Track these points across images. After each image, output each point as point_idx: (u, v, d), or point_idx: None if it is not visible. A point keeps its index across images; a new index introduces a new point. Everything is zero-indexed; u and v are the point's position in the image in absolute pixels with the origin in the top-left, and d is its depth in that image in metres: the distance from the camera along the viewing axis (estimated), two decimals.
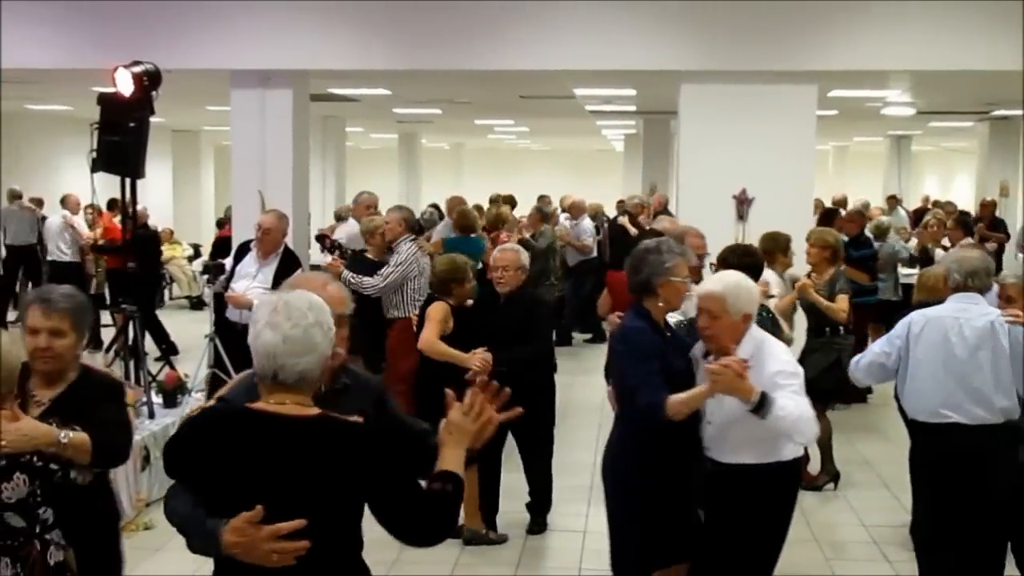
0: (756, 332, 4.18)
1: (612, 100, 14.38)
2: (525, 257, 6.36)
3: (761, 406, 3.86)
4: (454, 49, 9.03)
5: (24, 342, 3.51)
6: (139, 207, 8.15)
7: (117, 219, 11.70)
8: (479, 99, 14.90)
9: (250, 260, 7.83)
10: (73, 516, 3.47)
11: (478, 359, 5.83)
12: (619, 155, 24.98)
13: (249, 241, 7.91)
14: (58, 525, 3.42)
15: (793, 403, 3.95)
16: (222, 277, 7.82)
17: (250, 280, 7.70)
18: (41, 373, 3.56)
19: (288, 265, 7.75)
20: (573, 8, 8.83)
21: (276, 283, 7.67)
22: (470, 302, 6.37)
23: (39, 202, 15.00)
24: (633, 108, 15.95)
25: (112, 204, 13.59)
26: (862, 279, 9.13)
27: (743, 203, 9.02)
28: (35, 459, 3.31)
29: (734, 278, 4.24)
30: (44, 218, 14.26)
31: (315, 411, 2.65)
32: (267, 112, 9.38)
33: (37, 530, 3.36)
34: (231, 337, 7.66)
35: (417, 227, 8.24)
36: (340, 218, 13.07)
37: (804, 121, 9.04)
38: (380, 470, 2.62)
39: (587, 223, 13.40)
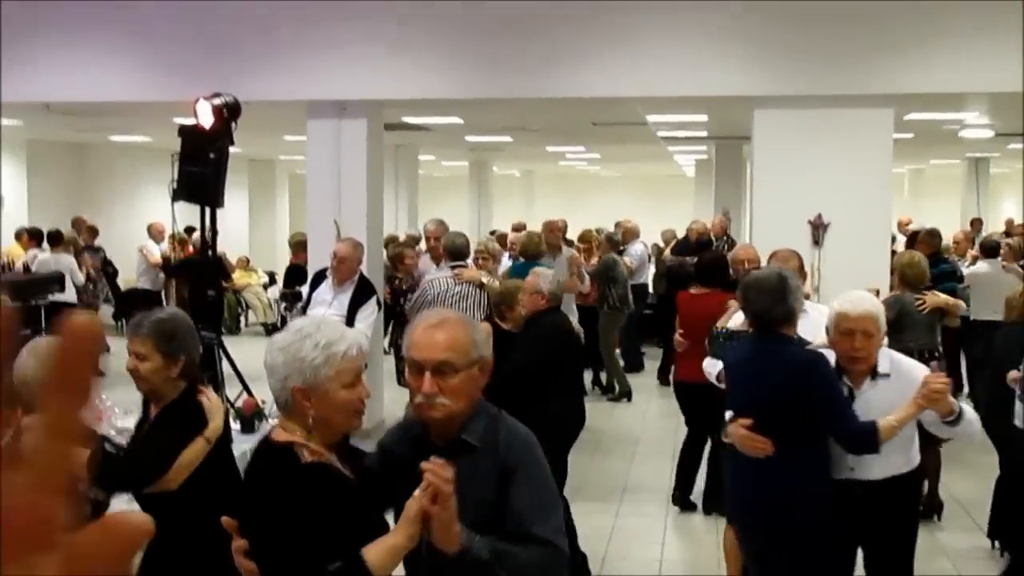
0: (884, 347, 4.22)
1: (684, 126, 14.35)
2: (544, 281, 6.29)
3: (960, 415, 3.95)
4: (526, 77, 9.10)
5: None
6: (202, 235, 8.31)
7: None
8: (551, 126, 14.96)
9: (326, 288, 7.94)
10: None
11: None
12: (690, 180, 24.89)
13: (325, 269, 8.03)
14: None
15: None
16: (299, 304, 7.93)
17: (326, 307, 7.81)
18: (144, 393, 3.80)
19: (363, 292, 7.85)
20: (646, 35, 8.85)
21: (351, 310, 7.80)
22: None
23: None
24: (705, 134, 15.90)
25: (188, 231, 13.90)
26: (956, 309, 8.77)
27: (818, 228, 8.93)
28: None
29: (870, 296, 4.28)
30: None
31: (281, 438, 2.63)
32: (342, 141, 9.52)
33: None
34: None
35: (458, 253, 8.30)
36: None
37: (880, 145, 8.94)
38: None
39: (637, 248, 13.43)
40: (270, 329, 17.12)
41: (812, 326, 4.69)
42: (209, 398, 3.79)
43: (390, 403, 9.61)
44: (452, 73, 9.24)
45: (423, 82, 9.28)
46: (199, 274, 9.21)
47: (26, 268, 13.55)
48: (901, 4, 8.55)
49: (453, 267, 8.15)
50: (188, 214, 8.94)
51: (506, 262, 10.80)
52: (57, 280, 7.66)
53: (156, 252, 13.84)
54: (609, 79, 8.99)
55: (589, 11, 8.86)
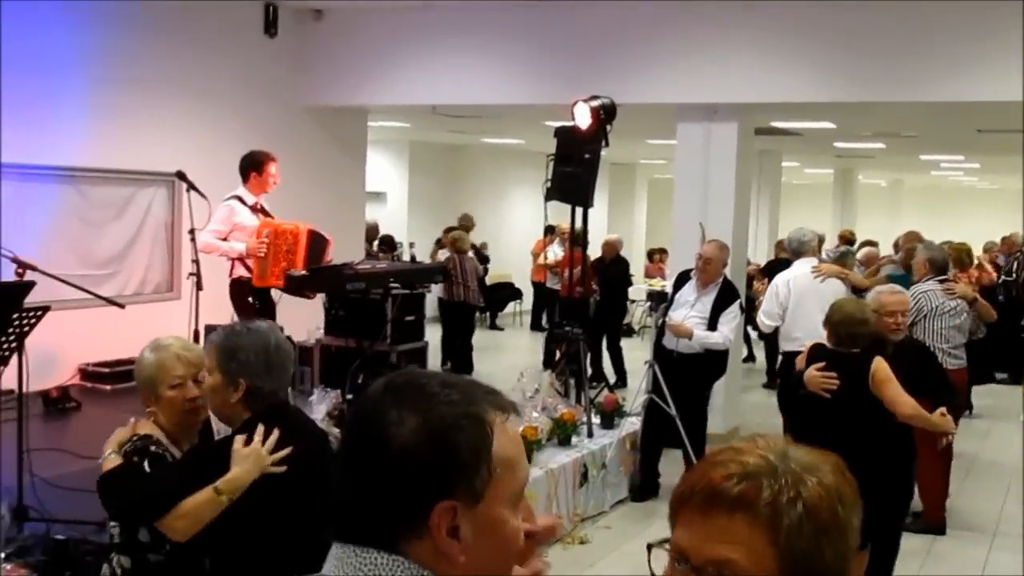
0: None
1: None
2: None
3: None
4: (906, 79, 8.72)
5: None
6: (571, 234, 8.58)
7: (551, 247, 12.45)
8: (928, 133, 14.23)
9: (689, 289, 8.01)
10: None
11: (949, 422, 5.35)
12: None
13: (689, 270, 8.10)
14: None
15: None
16: (663, 305, 8.05)
17: (688, 308, 7.88)
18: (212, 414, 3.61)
19: (727, 295, 7.86)
20: None
21: (714, 313, 7.82)
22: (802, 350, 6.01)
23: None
24: None
25: (548, 231, 14.43)
26: None
27: None
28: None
29: None
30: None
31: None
32: (711, 145, 9.55)
33: None
34: (667, 364, 7.90)
35: (943, 266, 8.10)
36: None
37: None
38: None
39: None
40: (624, 329, 17.47)
41: None
42: (253, 441, 3.15)
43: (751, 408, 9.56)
44: (825, 75, 9.02)
45: (795, 85, 9.12)
46: (607, 274, 9.50)
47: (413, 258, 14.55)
48: None
49: (941, 281, 7.92)
50: (557, 214, 9.28)
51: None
52: (440, 271, 8.20)
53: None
54: (1000, 82, 8.42)
55: (979, 9, 8.35)
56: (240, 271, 7.86)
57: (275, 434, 3.13)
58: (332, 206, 10.96)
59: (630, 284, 13.57)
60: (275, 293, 7.87)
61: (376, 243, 15.06)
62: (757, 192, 18.03)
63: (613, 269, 13.07)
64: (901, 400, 5.08)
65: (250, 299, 7.77)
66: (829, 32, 8.87)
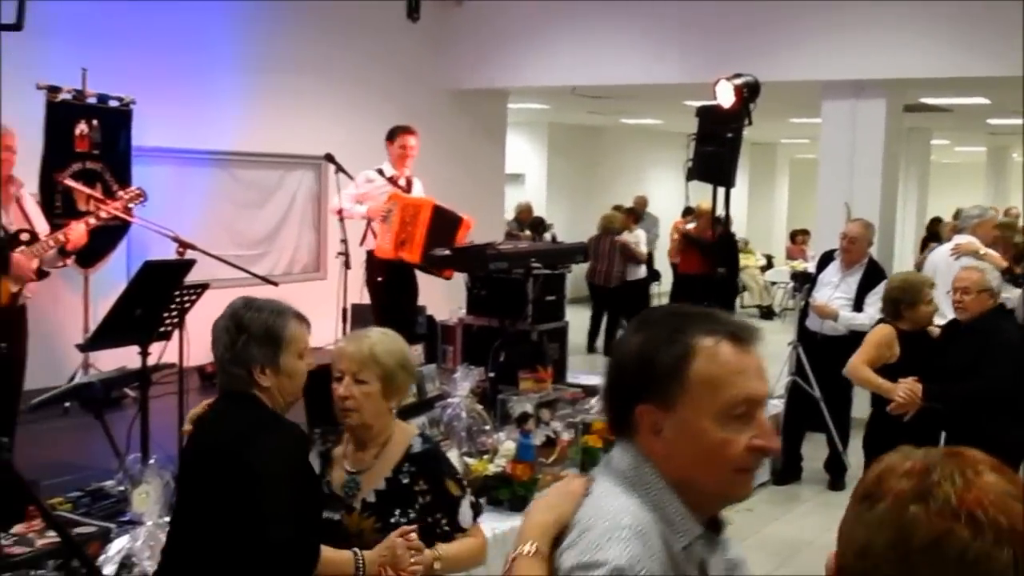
0: None
1: None
2: (993, 278, 5.58)
3: None
4: None
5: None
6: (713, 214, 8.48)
7: (690, 225, 12.34)
8: None
9: (833, 269, 7.85)
10: None
11: (902, 389, 5.35)
12: None
13: (833, 250, 7.94)
14: None
15: None
16: (806, 286, 7.92)
17: (832, 289, 7.73)
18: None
19: (872, 276, 7.67)
20: None
21: (859, 294, 7.65)
22: (935, 328, 5.81)
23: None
24: None
25: (687, 211, 14.26)
26: None
27: None
28: None
29: None
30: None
31: None
32: (858, 122, 9.32)
33: None
34: (811, 346, 7.77)
35: None
36: None
37: None
38: None
39: None
40: (764, 311, 17.24)
41: None
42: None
43: None
44: (978, 49, 8.68)
45: (946, 59, 8.82)
46: (710, 253, 9.48)
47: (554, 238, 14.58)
48: None
49: None
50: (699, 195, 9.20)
51: None
52: (581, 251, 8.23)
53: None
54: None
55: None
56: (372, 244, 8.07)
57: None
58: (472, 188, 11.10)
59: (738, 263, 13.31)
60: (423, 277, 8.06)
61: (528, 225, 15.07)
62: (905, 171, 17.51)
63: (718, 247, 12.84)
64: (851, 362, 5.73)
65: (379, 278, 7.96)
66: (982, 3, 8.55)
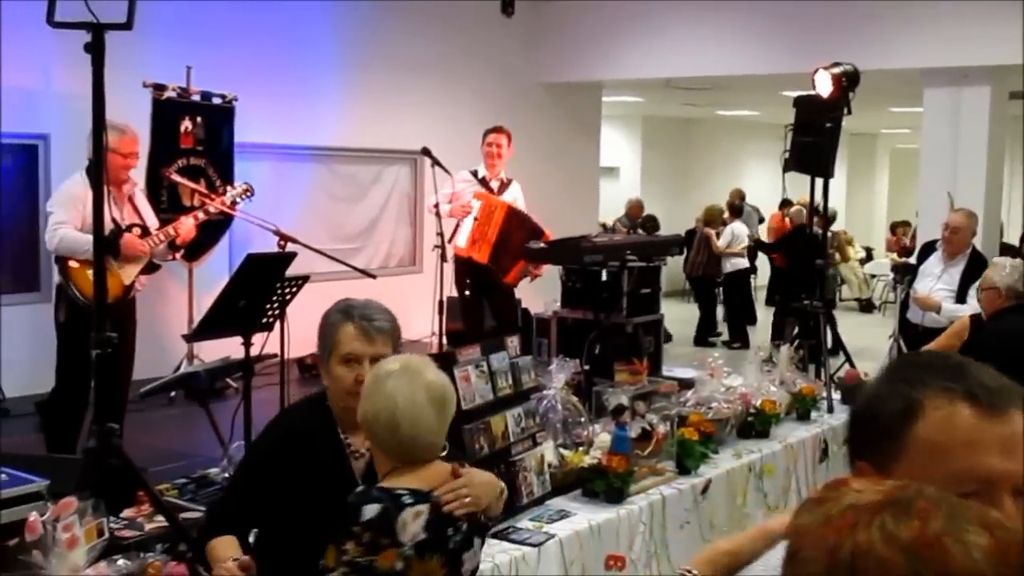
0: None
1: None
2: (999, 274, 5.46)
3: None
4: None
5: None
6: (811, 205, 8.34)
7: (787, 219, 12.25)
8: None
9: (935, 260, 7.67)
10: None
11: None
12: None
13: (934, 241, 7.76)
14: None
15: None
16: (907, 278, 7.75)
17: (934, 280, 7.55)
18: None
19: (976, 267, 7.46)
20: None
21: (963, 285, 7.46)
22: None
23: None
24: None
25: (784, 204, 14.04)
26: None
27: None
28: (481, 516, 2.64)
29: None
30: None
31: None
32: (961, 111, 9.10)
33: None
34: (912, 338, 7.61)
35: None
36: None
37: None
38: None
39: None
40: (863, 304, 16.91)
41: None
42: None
43: None
44: None
45: None
46: (806, 244, 9.33)
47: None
48: None
49: None
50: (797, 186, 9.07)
51: None
52: (677, 243, 8.16)
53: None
54: None
55: None
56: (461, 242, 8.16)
57: None
58: (567, 182, 11.10)
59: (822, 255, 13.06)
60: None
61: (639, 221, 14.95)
62: (1010, 160, 17.01)
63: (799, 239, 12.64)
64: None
65: (467, 279, 8.04)
66: None
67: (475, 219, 7.95)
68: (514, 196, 8.32)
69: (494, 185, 8.25)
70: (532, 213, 8.24)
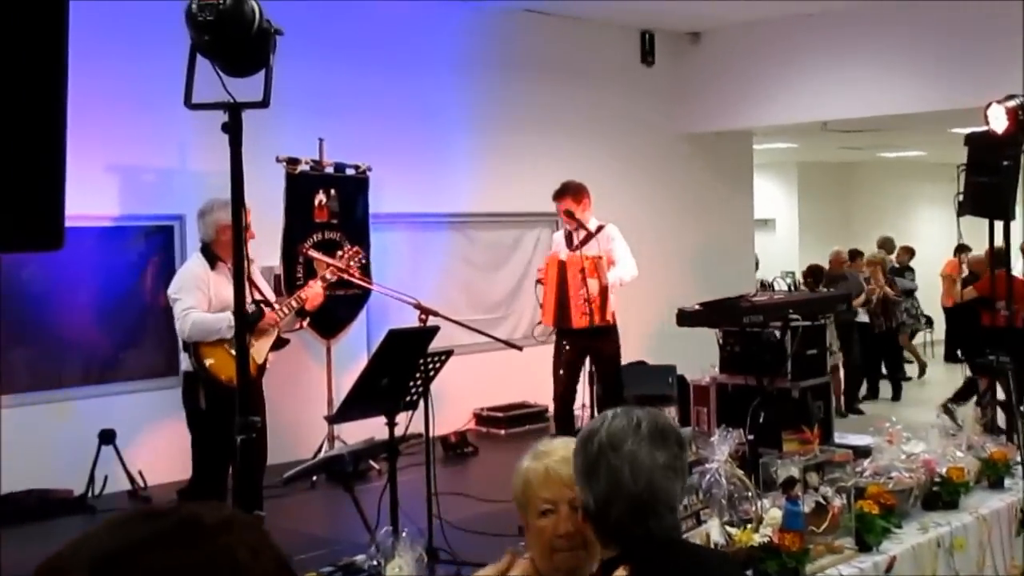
0: None
1: None
2: None
3: None
4: None
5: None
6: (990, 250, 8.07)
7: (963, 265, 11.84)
8: None
9: None
10: None
11: None
12: None
13: None
14: None
15: None
16: None
17: None
18: None
19: None
20: None
21: None
22: None
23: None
24: None
25: (960, 249, 13.60)
26: None
27: None
28: None
29: None
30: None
31: None
32: None
33: None
34: None
35: None
36: None
37: None
38: None
39: None
40: None
41: None
42: None
43: None
44: None
45: None
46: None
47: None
48: None
49: None
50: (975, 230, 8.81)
51: None
52: (843, 299, 8.01)
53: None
54: None
55: None
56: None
57: None
58: (718, 235, 11.02)
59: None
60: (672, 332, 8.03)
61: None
62: None
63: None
64: None
65: (565, 346, 7.88)
66: None
67: (542, 283, 7.93)
68: (601, 245, 7.99)
69: (577, 238, 7.98)
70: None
